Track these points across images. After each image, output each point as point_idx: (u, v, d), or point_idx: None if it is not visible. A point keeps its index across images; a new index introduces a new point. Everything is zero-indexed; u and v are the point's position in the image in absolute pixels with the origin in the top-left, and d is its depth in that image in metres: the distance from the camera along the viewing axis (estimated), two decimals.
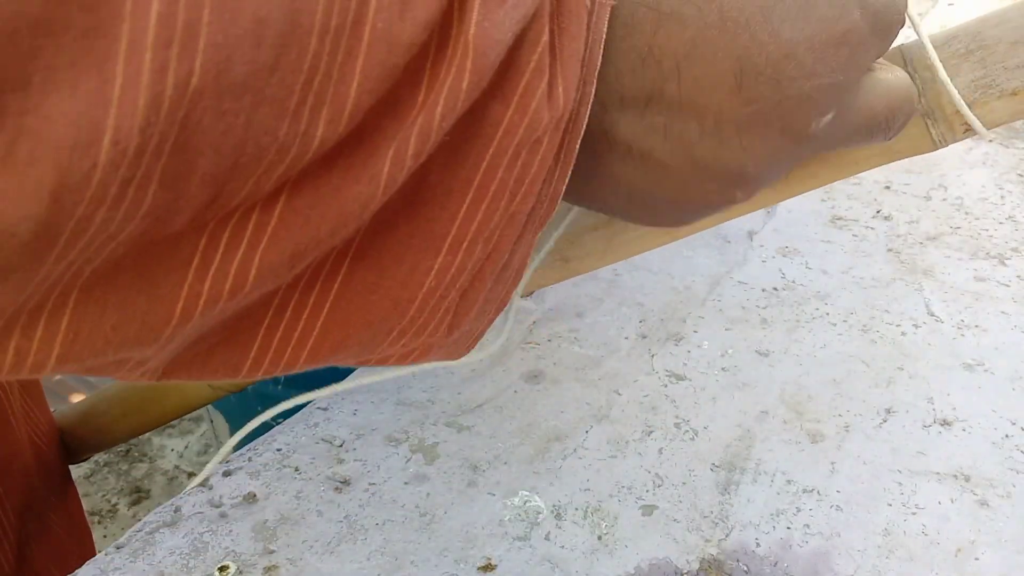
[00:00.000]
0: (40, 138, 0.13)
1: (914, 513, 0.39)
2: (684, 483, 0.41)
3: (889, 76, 0.26)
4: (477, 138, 0.20)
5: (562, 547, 0.37)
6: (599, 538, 0.38)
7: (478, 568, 0.36)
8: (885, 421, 0.44)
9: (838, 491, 0.40)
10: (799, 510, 0.39)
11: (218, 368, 0.21)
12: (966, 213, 0.62)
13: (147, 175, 0.15)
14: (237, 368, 0.21)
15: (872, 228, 0.61)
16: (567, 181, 0.22)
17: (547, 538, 0.38)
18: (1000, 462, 0.42)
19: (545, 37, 0.19)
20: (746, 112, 0.22)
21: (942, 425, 0.44)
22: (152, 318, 0.18)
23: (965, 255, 0.57)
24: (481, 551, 0.37)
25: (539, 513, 0.39)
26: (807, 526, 0.38)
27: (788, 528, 0.38)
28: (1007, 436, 0.43)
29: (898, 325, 0.51)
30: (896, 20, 0.24)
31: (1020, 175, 0.67)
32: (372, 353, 0.23)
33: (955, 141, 0.31)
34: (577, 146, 0.22)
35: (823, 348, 0.49)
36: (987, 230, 0.60)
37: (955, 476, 0.41)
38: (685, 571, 0.36)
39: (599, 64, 0.21)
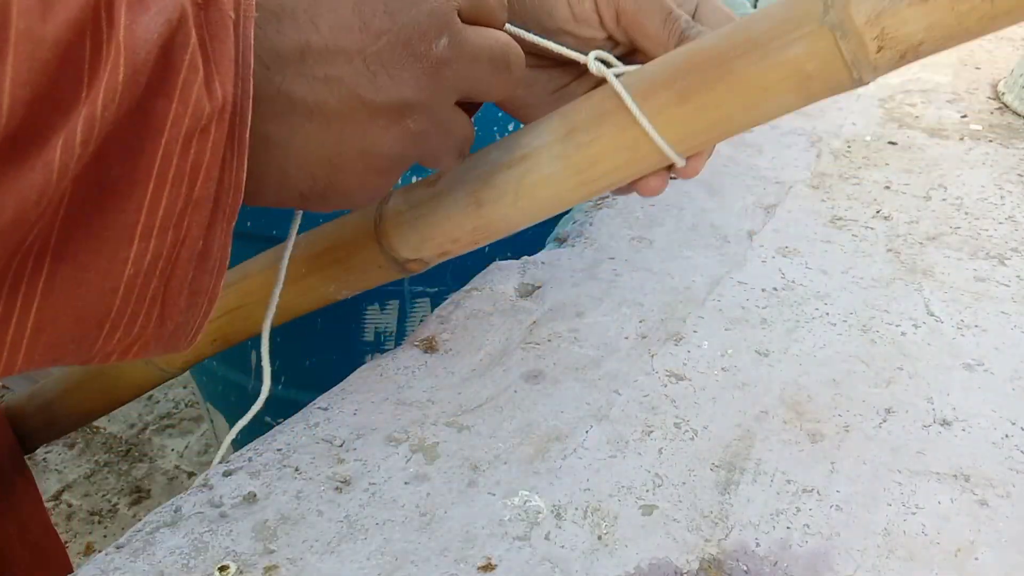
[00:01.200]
0: None
1: (914, 513, 0.39)
2: (684, 483, 0.41)
3: (492, 33, 0.31)
4: (148, 131, 0.22)
5: (562, 547, 0.37)
6: (599, 538, 0.38)
7: (478, 568, 0.36)
8: (885, 421, 0.44)
9: (838, 491, 0.40)
10: (799, 510, 0.39)
11: None
12: (966, 213, 0.63)
13: None
14: None
15: (872, 228, 0.61)
16: (246, 167, 0.25)
17: (547, 538, 0.38)
18: (1000, 462, 0.42)
19: (193, 39, 0.22)
20: (379, 45, 0.27)
21: (942, 425, 0.44)
22: None
23: (965, 255, 0.57)
24: (481, 551, 0.37)
25: (539, 513, 0.39)
26: (807, 526, 0.38)
27: (788, 528, 0.38)
28: (1007, 436, 0.43)
29: (898, 325, 0.51)
30: None
31: (1020, 175, 0.67)
32: (91, 350, 0.25)
33: (872, 70, 0.30)
34: (247, 135, 0.24)
35: (823, 348, 0.49)
36: (987, 230, 0.60)
37: (955, 476, 0.41)
38: (685, 571, 0.36)
39: (252, 63, 0.24)
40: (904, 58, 0.29)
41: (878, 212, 0.63)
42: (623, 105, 0.34)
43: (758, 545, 0.37)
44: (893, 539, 0.38)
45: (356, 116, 0.27)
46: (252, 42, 0.24)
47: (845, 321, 0.52)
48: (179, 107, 0.22)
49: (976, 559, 0.37)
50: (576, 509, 0.39)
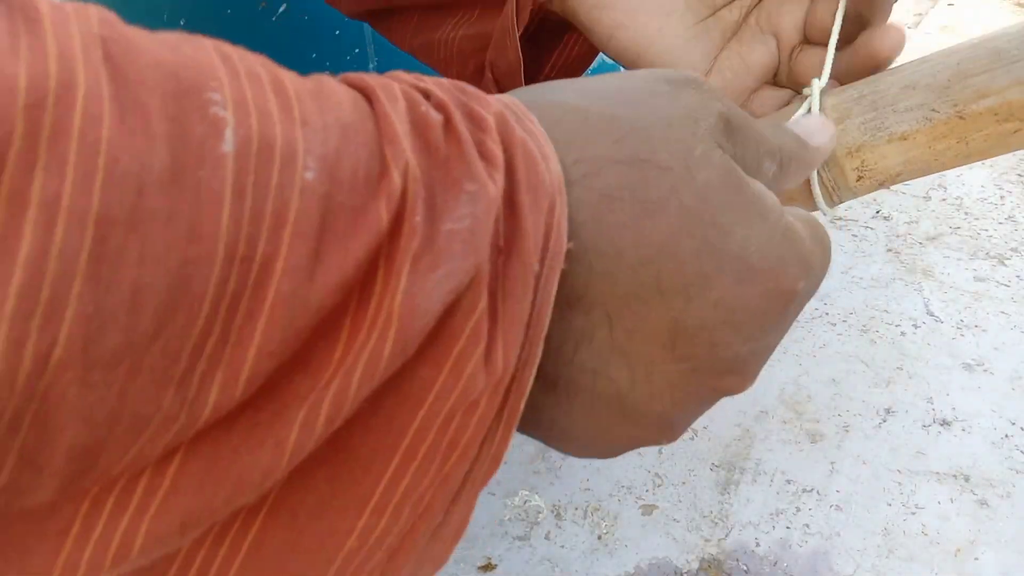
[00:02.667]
0: None
1: (914, 513, 0.39)
2: (684, 483, 0.41)
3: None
4: (406, 401, 0.18)
5: (562, 546, 0.37)
6: (599, 537, 0.38)
7: (478, 567, 0.36)
8: (884, 421, 0.44)
9: (837, 491, 0.40)
10: (799, 510, 0.39)
11: None
12: (966, 213, 0.63)
13: (2, 447, 0.14)
14: None
15: (872, 228, 0.61)
16: (511, 438, 0.21)
17: (547, 537, 0.38)
18: (1000, 462, 0.42)
19: (483, 304, 0.18)
20: (679, 369, 0.22)
21: (942, 425, 0.44)
22: None
23: (965, 255, 0.58)
24: (481, 550, 0.37)
25: (539, 513, 0.39)
26: (807, 526, 0.38)
27: (788, 528, 0.38)
28: (1007, 436, 0.43)
29: (897, 325, 0.51)
30: (824, 274, 0.23)
31: (1020, 175, 0.67)
32: None
33: (851, 195, 0.31)
34: (522, 406, 0.20)
35: (822, 348, 0.49)
36: (987, 230, 0.60)
37: (955, 476, 0.41)
38: (685, 570, 0.36)
39: (547, 326, 0.20)
40: (883, 185, 0.31)
41: (878, 212, 0.63)
42: None
43: (758, 545, 0.37)
44: (893, 539, 0.38)
45: (609, 414, 0.23)
46: (552, 298, 0.20)
47: (845, 321, 0.52)
48: (448, 380, 0.18)
49: (976, 559, 0.37)
50: (576, 509, 0.39)
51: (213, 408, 0.16)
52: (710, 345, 0.22)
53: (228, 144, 0.14)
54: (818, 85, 0.30)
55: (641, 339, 0.21)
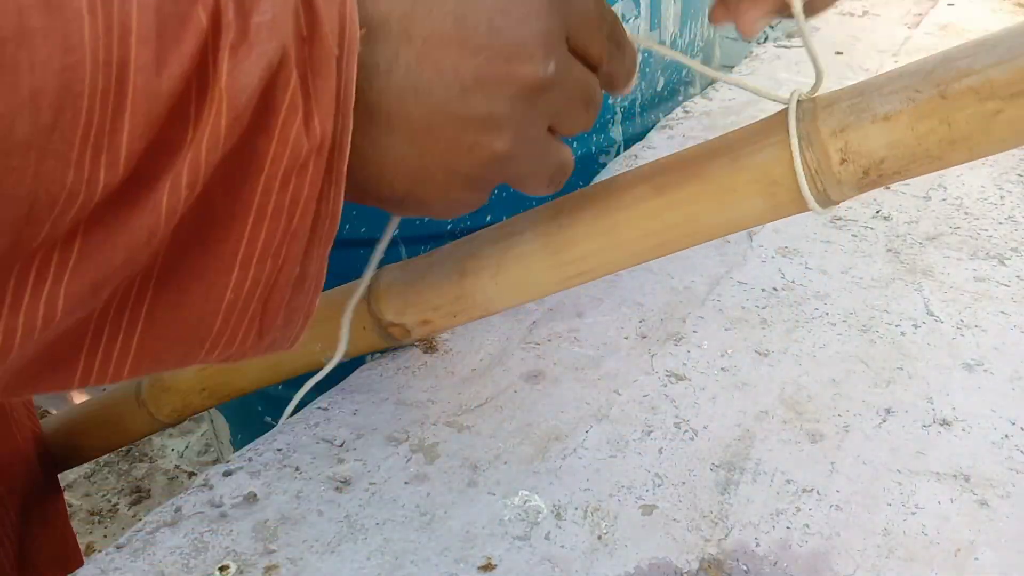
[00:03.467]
0: None
1: (913, 513, 0.39)
2: (684, 483, 0.41)
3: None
4: (249, 168, 0.23)
5: (562, 547, 0.37)
6: (599, 538, 0.38)
7: (478, 568, 0.36)
8: (884, 421, 0.44)
9: (837, 491, 0.40)
10: (798, 510, 0.39)
11: (49, 386, 0.24)
12: (965, 213, 0.63)
13: None
14: (67, 385, 0.24)
15: (871, 228, 0.61)
16: (342, 198, 0.25)
17: (547, 538, 0.38)
18: (1000, 462, 0.42)
19: (294, 80, 0.22)
20: (476, 61, 0.26)
21: (941, 425, 0.44)
22: None
23: (964, 255, 0.58)
24: (481, 551, 0.37)
25: (539, 513, 0.39)
26: (806, 526, 0.38)
27: (788, 528, 0.38)
28: (1007, 436, 0.43)
29: (897, 325, 0.51)
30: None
31: (1020, 175, 0.67)
32: (192, 362, 0.26)
33: (836, 183, 0.31)
34: (344, 167, 0.25)
35: (822, 348, 0.49)
36: (986, 230, 0.60)
37: (955, 476, 0.41)
38: (685, 571, 0.36)
39: (353, 96, 0.24)
40: (867, 175, 0.30)
41: (878, 212, 0.63)
42: (603, 191, 0.35)
43: (758, 545, 0.37)
44: (893, 539, 0.38)
45: (442, 131, 0.27)
46: (355, 76, 0.24)
47: (845, 321, 0.52)
48: (278, 146, 0.22)
49: (976, 559, 0.37)
50: (576, 509, 0.39)
51: (104, 185, 0.20)
52: (494, 31, 0.26)
53: None
54: None
55: (438, 43, 0.25)
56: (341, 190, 0.25)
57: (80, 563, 0.56)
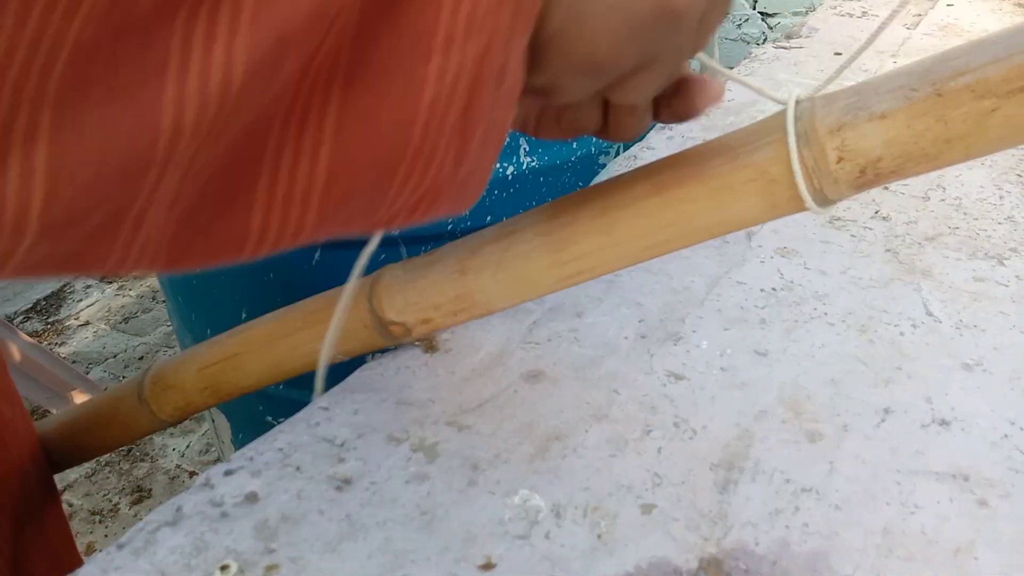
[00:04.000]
0: None
1: (913, 513, 0.39)
2: (683, 482, 0.41)
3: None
4: None
5: (562, 546, 0.37)
6: (599, 537, 0.38)
7: (478, 567, 0.36)
8: (883, 421, 0.44)
9: (837, 491, 0.40)
10: (798, 509, 0.39)
11: (223, 242, 0.19)
12: (964, 213, 0.63)
13: None
14: (243, 238, 0.19)
15: (870, 228, 0.61)
16: None
17: (547, 537, 0.38)
18: (999, 462, 0.42)
19: None
20: None
21: (941, 425, 0.44)
22: (139, 137, 0.16)
23: (964, 255, 0.58)
24: (481, 550, 0.37)
25: (539, 512, 0.39)
26: (806, 525, 0.38)
27: (787, 527, 0.38)
28: (1006, 436, 0.43)
29: (896, 325, 0.51)
30: None
31: (1019, 175, 0.67)
32: (381, 206, 0.21)
33: (833, 182, 0.31)
34: None
35: (821, 348, 0.49)
36: (985, 230, 0.60)
37: (954, 476, 0.41)
38: (684, 570, 0.36)
39: None
40: (864, 174, 0.31)
41: (876, 212, 0.63)
42: (601, 190, 0.36)
43: (757, 544, 0.38)
44: (892, 539, 0.38)
45: None
46: None
47: (844, 321, 0.52)
48: None
49: (975, 559, 0.37)
50: (576, 508, 0.39)
51: None
52: None
53: None
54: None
55: None
56: None
57: (78, 566, 0.56)
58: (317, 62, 0.18)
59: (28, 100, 0.14)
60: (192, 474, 1.66)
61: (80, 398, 1.51)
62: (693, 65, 0.34)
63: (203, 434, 1.74)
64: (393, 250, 0.83)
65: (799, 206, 0.33)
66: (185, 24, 0.16)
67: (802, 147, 0.31)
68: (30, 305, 2.23)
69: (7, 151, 0.15)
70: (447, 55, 0.19)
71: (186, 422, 1.77)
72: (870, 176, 0.31)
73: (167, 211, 0.18)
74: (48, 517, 0.53)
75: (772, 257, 0.58)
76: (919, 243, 0.59)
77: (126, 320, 2.15)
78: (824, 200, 0.32)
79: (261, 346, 0.46)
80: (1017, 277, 0.55)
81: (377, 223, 0.22)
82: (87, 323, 2.17)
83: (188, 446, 1.71)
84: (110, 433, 0.55)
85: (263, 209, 0.19)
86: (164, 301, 1.58)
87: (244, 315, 0.91)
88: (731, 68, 0.92)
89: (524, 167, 0.84)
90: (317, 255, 0.83)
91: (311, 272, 0.85)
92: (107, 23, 0.15)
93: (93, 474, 1.64)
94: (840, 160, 0.30)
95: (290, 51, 0.17)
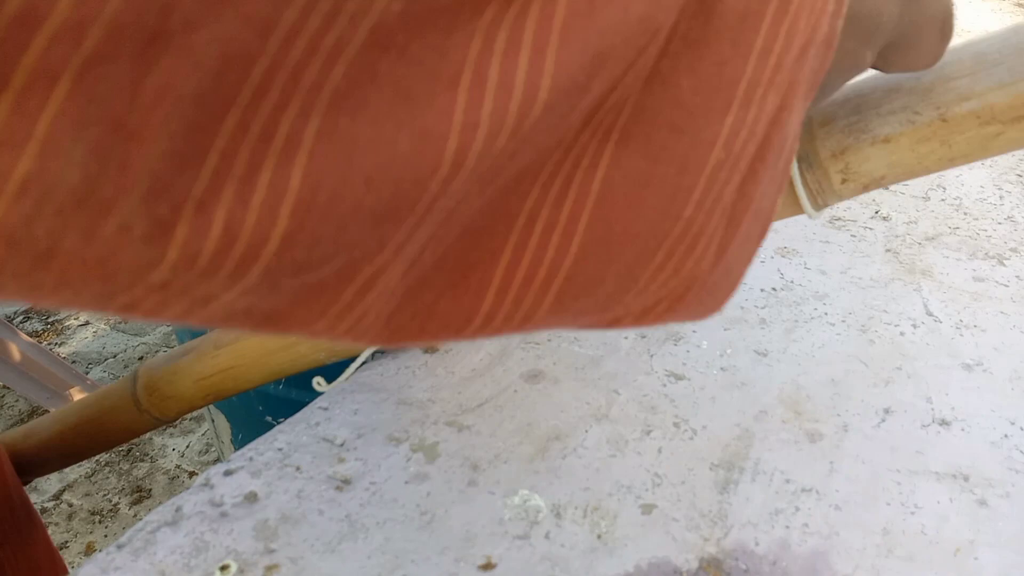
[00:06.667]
0: None
1: (913, 513, 0.39)
2: (683, 482, 0.41)
3: None
4: None
5: (562, 546, 0.37)
6: (599, 537, 0.38)
7: (478, 567, 0.36)
8: (884, 421, 0.44)
9: (837, 490, 0.40)
10: (798, 509, 0.39)
11: (443, 325, 0.16)
12: (965, 213, 0.63)
13: None
14: (466, 323, 0.16)
15: (871, 228, 0.61)
16: (843, 12, 0.17)
17: (547, 537, 0.38)
18: (999, 462, 0.42)
19: None
20: None
21: (941, 425, 0.44)
22: (416, 163, 0.12)
23: (964, 255, 0.58)
24: (481, 550, 0.37)
25: (539, 512, 0.39)
26: (806, 525, 0.38)
27: (787, 527, 0.38)
28: (1006, 436, 0.43)
29: (896, 325, 0.51)
30: None
31: (1019, 175, 0.67)
32: (621, 300, 0.17)
33: (836, 198, 0.31)
34: None
35: (821, 348, 0.49)
36: (986, 230, 0.60)
37: (954, 476, 0.41)
38: (684, 570, 0.36)
39: None
40: (867, 188, 0.31)
41: (877, 212, 0.63)
42: None
43: (757, 544, 0.38)
44: (892, 539, 0.38)
45: None
46: None
47: (844, 321, 0.52)
48: None
49: (975, 559, 0.37)
50: (576, 508, 0.39)
51: None
52: None
53: None
54: None
55: None
56: None
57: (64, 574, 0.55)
58: (605, 108, 0.15)
59: (301, 95, 0.11)
60: (192, 474, 1.66)
61: (79, 397, 1.51)
62: None
63: (203, 434, 1.74)
64: None
65: (797, 212, 0.33)
66: (488, 29, 0.12)
67: (805, 171, 0.31)
68: (30, 304, 2.23)
69: (258, 164, 0.11)
70: (745, 109, 0.15)
71: (185, 422, 1.77)
72: (872, 188, 0.31)
73: (401, 277, 0.14)
74: (33, 542, 0.52)
75: (772, 257, 0.58)
76: (919, 243, 0.59)
77: (126, 320, 2.16)
78: (822, 207, 0.33)
79: (259, 356, 0.46)
80: (1017, 277, 0.55)
81: (606, 322, 0.19)
82: (87, 323, 2.17)
83: (188, 446, 1.71)
84: (104, 436, 0.55)
85: (498, 291, 0.16)
86: None
87: None
88: None
89: None
90: None
91: None
92: (399, 27, 0.11)
93: (93, 474, 1.64)
94: (844, 181, 0.30)
95: (604, 71, 0.13)
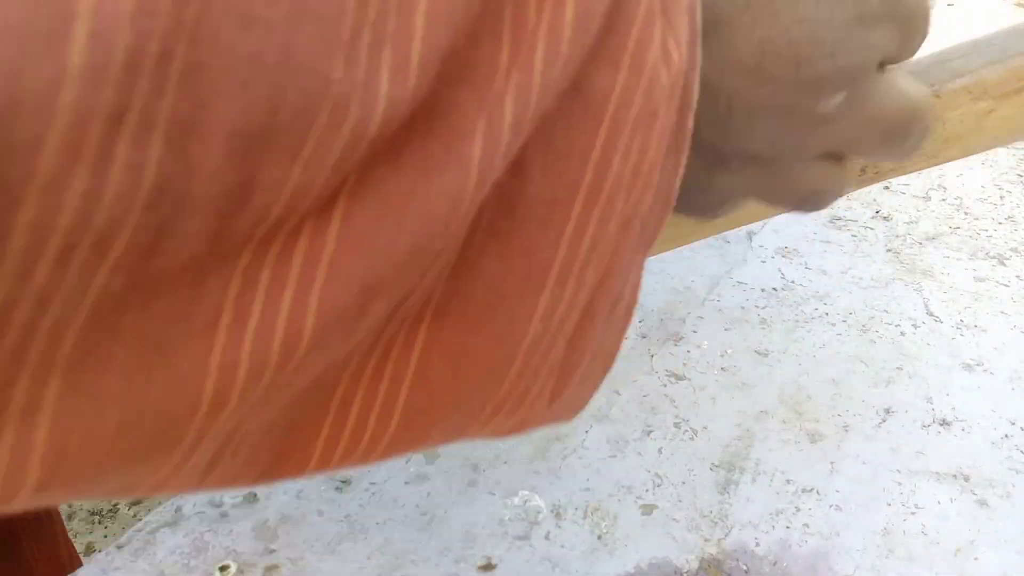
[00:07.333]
0: None
1: (913, 513, 0.39)
2: (684, 483, 0.41)
3: (909, 85, 0.24)
4: (585, 116, 0.15)
5: (562, 546, 0.37)
6: (599, 537, 0.38)
7: (478, 567, 0.36)
8: (884, 421, 0.44)
9: (837, 491, 0.40)
10: (798, 510, 0.39)
11: (268, 475, 0.16)
12: (965, 213, 0.63)
13: (146, 114, 0.10)
14: (295, 471, 0.16)
15: (871, 228, 0.61)
16: (682, 170, 0.17)
17: (547, 537, 0.38)
18: (999, 462, 0.42)
19: None
20: (758, 94, 0.20)
21: (941, 425, 0.44)
22: (172, 407, 0.12)
23: (964, 255, 0.58)
24: (481, 550, 0.37)
25: (539, 512, 0.39)
26: (806, 526, 0.38)
27: (787, 528, 0.38)
28: (1006, 436, 0.43)
29: (897, 325, 0.51)
30: (916, 13, 0.22)
31: (1019, 175, 0.67)
32: (456, 437, 0.18)
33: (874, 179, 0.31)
34: (691, 121, 0.17)
35: (822, 348, 0.49)
36: (986, 230, 0.60)
37: (954, 476, 0.41)
38: (685, 570, 0.36)
39: (701, 22, 0.17)
40: (864, 173, 0.32)
41: (877, 212, 0.63)
42: None
43: (758, 545, 0.37)
44: (893, 539, 0.38)
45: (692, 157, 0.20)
46: None
47: (844, 321, 0.52)
48: (629, 79, 0.15)
49: (976, 559, 0.37)
50: (576, 509, 0.39)
51: (387, 102, 0.12)
52: (793, 64, 0.19)
53: None
54: None
55: (726, 68, 0.19)
56: (683, 158, 0.17)
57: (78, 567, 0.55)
58: (409, 303, 0.15)
59: (31, 367, 0.11)
60: None
61: None
62: None
63: None
64: None
65: None
66: (247, 270, 0.12)
67: None
68: None
69: (2, 418, 0.11)
70: (560, 288, 0.16)
71: None
72: (870, 175, 0.31)
73: (199, 480, 0.15)
74: (45, 523, 0.52)
75: (773, 257, 0.58)
76: (920, 243, 0.59)
77: None
78: None
79: None
80: (1018, 277, 0.55)
81: (457, 439, 0.19)
82: None
83: None
84: None
85: (323, 452, 0.16)
86: None
87: None
88: None
89: None
90: None
91: None
92: (143, 274, 0.11)
93: None
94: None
95: (377, 300, 0.14)
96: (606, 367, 0.20)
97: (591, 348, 0.18)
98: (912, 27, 0.22)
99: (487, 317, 0.16)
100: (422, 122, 0.13)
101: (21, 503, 0.12)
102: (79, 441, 0.12)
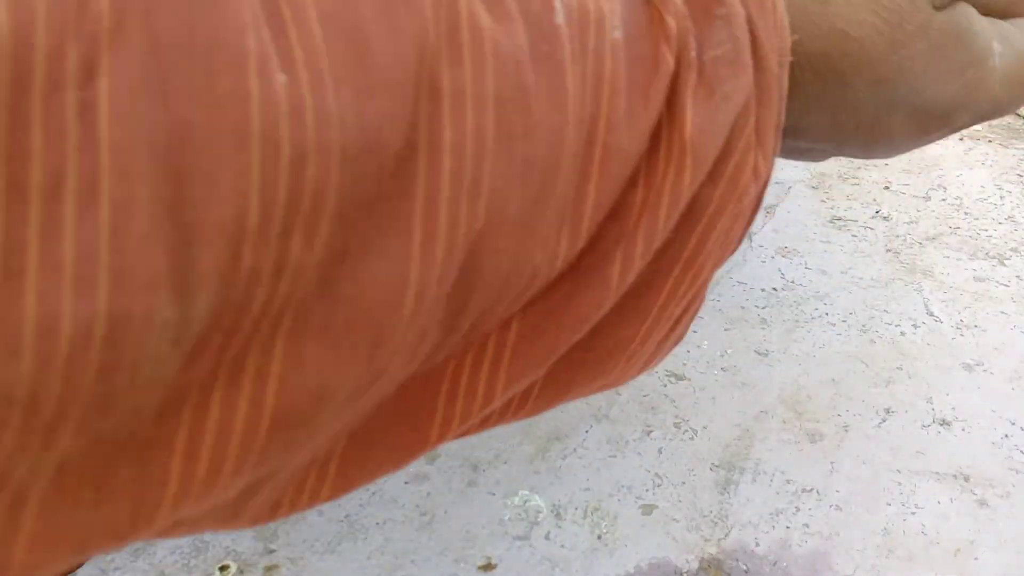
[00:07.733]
0: (354, 304, 0.12)
1: (913, 513, 0.39)
2: (683, 483, 0.41)
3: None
4: (689, 225, 0.17)
5: (562, 546, 0.37)
6: (599, 537, 0.38)
7: (478, 567, 0.36)
8: (884, 421, 0.44)
9: (837, 491, 0.40)
10: (798, 509, 0.39)
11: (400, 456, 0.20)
12: (965, 213, 0.63)
13: (433, 319, 0.14)
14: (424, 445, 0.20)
15: (871, 228, 0.61)
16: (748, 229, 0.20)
17: (547, 537, 0.38)
18: (999, 462, 0.42)
19: (752, 120, 0.18)
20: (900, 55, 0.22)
21: (941, 425, 0.44)
22: (409, 441, 0.16)
23: (964, 255, 0.58)
24: (481, 550, 0.37)
25: (539, 512, 0.39)
26: (806, 525, 0.38)
27: (787, 527, 0.38)
28: (1006, 436, 0.43)
29: (897, 325, 0.51)
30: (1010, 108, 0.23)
31: (1019, 175, 0.67)
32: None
33: None
34: (763, 201, 0.19)
35: (822, 348, 0.49)
36: (986, 230, 0.60)
37: (954, 476, 0.41)
38: (684, 570, 0.36)
39: (783, 120, 0.19)
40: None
41: (877, 212, 0.63)
42: None
43: (758, 544, 0.37)
44: (893, 538, 0.38)
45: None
46: (785, 94, 0.19)
47: (844, 321, 0.52)
48: (725, 193, 0.18)
49: (975, 559, 0.37)
50: (576, 508, 0.39)
51: (563, 260, 0.16)
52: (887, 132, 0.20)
53: (560, 15, 0.15)
54: None
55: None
56: (751, 225, 0.20)
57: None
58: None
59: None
60: None
61: None
62: None
63: None
64: None
65: None
66: (457, 360, 0.16)
67: None
68: None
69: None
70: (634, 357, 0.18)
71: None
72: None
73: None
74: None
75: (773, 257, 0.58)
76: (920, 243, 0.59)
77: None
78: None
79: None
80: (1018, 277, 0.55)
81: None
82: None
83: None
84: None
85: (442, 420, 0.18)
86: None
87: None
88: None
89: None
90: None
91: None
92: (95, 441, 0.13)
93: None
94: None
95: (536, 369, 0.17)
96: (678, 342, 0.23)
97: (671, 344, 0.20)
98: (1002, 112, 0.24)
99: (583, 382, 0.18)
100: (583, 255, 0.16)
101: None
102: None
